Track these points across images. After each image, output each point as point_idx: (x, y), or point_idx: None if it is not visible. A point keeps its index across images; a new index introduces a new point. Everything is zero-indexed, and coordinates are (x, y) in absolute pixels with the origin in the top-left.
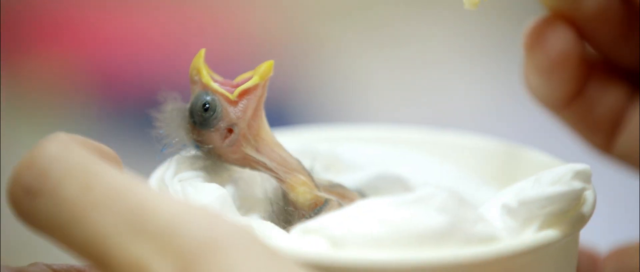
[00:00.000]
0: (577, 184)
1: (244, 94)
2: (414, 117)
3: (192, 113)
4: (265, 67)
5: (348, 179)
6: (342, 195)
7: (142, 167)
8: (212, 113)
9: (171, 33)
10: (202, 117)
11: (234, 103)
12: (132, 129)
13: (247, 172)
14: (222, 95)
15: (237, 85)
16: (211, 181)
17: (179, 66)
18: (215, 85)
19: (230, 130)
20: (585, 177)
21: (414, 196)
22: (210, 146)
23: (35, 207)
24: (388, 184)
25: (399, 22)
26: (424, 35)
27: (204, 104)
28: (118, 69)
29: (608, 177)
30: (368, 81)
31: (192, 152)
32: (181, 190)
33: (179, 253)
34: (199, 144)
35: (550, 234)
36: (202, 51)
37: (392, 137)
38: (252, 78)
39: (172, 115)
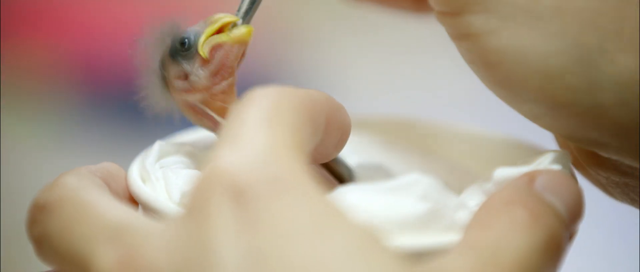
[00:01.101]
0: (556, 167)
1: (214, 48)
2: (396, 105)
3: (174, 38)
4: (244, 32)
5: None
6: None
7: (123, 154)
8: (185, 49)
9: (153, 20)
10: (174, 47)
11: (206, 62)
12: (113, 116)
13: None
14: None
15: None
16: (193, 167)
17: None
18: (207, 36)
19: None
20: (564, 160)
21: (396, 183)
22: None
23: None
24: (370, 172)
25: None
26: (407, 22)
27: (183, 39)
28: (100, 56)
29: None
30: (350, 68)
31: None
32: (162, 176)
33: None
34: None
35: None
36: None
37: (374, 124)
38: (222, 34)
39: (158, 36)
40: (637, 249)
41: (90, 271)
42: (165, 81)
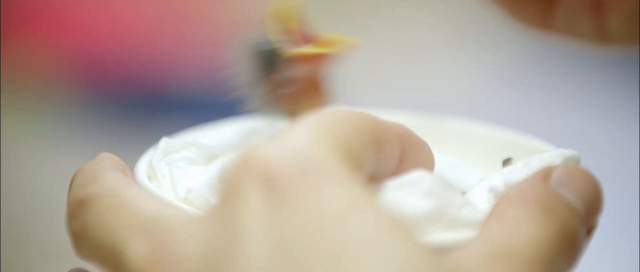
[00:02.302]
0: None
1: (298, 58)
2: (401, 103)
3: (263, 52)
4: (343, 42)
5: None
6: None
7: (123, 153)
8: (272, 64)
9: (153, 19)
10: (264, 61)
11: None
12: (113, 116)
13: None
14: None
15: (308, 40)
16: (199, 164)
17: (161, 52)
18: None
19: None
20: (574, 163)
21: (401, 180)
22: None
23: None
24: None
25: (386, 7)
26: (411, 20)
27: (270, 52)
28: (100, 56)
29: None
30: (350, 68)
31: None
32: (168, 173)
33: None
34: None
35: None
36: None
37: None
38: (313, 47)
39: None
40: (637, 249)
41: (123, 261)
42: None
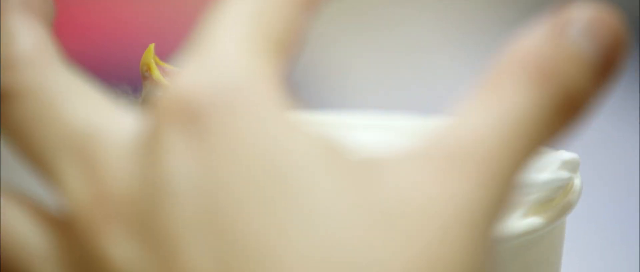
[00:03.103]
0: (564, 174)
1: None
2: (401, 103)
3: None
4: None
5: None
6: None
7: None
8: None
9: (153, 19)
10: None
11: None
12: None
13: None
14: None
15: None
16: None
17: (161, 52)
18: (166, 82)
19: None
20: (573, 166)
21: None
22: None
23: None
24: None
25: (386, 7)
26: (408, 19)
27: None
28: (99, 56)
29: (603, 169)
30: (350, 68)
31: None
32: None
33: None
34: None
35: (535, 221)
36: (151, 47)
37: (379, 123)
38: None
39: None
40: (637, 249)
41: (58, 185)
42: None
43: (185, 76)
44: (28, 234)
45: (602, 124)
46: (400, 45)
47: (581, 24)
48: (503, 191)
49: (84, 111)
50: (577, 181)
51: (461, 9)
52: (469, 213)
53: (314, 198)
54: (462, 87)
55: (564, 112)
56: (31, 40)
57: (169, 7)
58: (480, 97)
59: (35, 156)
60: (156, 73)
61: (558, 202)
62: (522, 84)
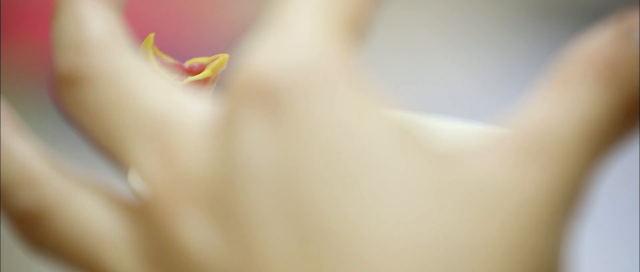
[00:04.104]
0: None
1: (191, 85)
2: (399, 103)
3: None
4: (219, 61)
5: None
6: None
7: None
8: None
9: (153, 19)
10: None
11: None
12: None
13: None
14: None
15: (188, 70)
16: None
17: (160, 52)
18: (163, 73)
19: None
20: None
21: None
22: None
23: None
24: None
25: (386, 6)
26: (411, 20)
27: None
28: None
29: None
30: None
31: None
32: None
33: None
34: None
35: None
36: (151, 36)
37: None
38: (204, 71)
39: None
40: (637, 249)
41: (136, 170)
42: None
43: (262, 56)
44: (102, 221)
45: None
46: (400, 46)
47: None
48: (577, 186)
49: (158, 96)
50: None
51: (461, 9)
52: (547, 205)
53: (394, 182)
54: (461, 87)
55: (631, 112)
56: (103, 26)
57: (169, 7)
58: (552, 93)
59: (109, 141)
60: (154, 63)
61: None
62: (592, 83)
